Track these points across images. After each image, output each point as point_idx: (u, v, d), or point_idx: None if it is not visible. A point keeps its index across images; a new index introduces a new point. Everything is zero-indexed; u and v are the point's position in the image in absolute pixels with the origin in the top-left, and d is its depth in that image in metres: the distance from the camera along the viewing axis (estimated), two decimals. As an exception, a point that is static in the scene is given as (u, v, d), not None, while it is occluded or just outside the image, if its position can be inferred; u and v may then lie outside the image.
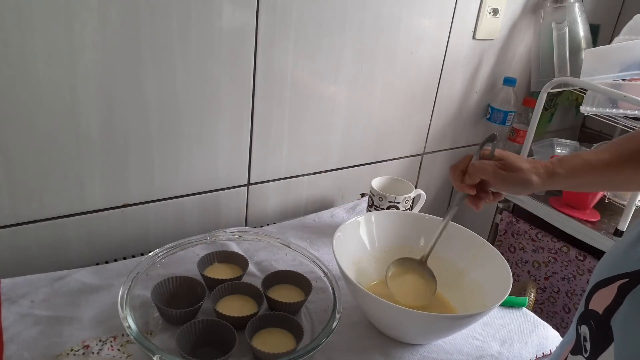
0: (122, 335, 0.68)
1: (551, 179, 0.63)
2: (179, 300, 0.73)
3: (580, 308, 0.50)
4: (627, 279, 0.44)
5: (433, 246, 0.76)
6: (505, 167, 0.64)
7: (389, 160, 1.24)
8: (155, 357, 0.58)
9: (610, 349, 0.43)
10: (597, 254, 1.14)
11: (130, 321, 0.63)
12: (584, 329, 0.48)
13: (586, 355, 0.47)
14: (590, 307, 0.48)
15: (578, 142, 1.38)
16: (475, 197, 0.69)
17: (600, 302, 0.46)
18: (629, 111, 1.15)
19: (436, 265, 0.84)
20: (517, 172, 0.63)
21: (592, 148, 1.30)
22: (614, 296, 0.44)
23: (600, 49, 1.18)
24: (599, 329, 0.46)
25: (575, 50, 1.28)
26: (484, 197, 0.69)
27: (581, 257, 1.16)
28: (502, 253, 0.79)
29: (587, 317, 0.48)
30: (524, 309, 0.86)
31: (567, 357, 0.52)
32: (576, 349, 0.50)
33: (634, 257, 0.45)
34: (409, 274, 0.79)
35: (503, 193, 0.70)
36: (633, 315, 0.42)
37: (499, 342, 0.77)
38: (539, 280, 1.27)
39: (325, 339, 0.64)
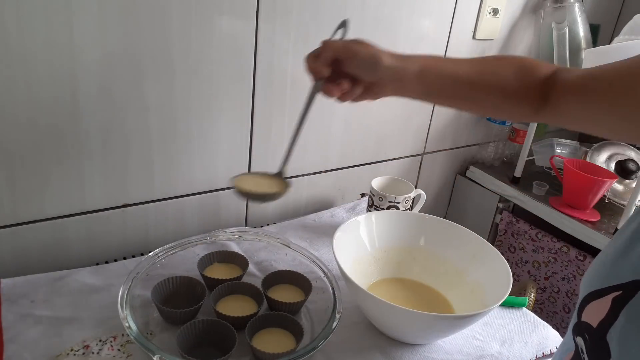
0: (122, 335, 0.68)
1: (402, 64, 0.62)
2: (179, 300, 0.73)
3: (574, 318, 0.49)
4: (620, 291, 0.43)
5: (289, 151, 0.72)
6: (356, 42, 0.63)
7: (389, 160, 1.24)
8: (155, 357, 0.58)
9: None
10: (597, 254, 1.13)
11: (130, 321, 0.63)
12: (580, 341, 0.48)
13: None
14: (583, 319, 0.47)
15: (578, 142, 1.38)
16: (331, 82, 0.64)
17: (593, 314, 0.45)
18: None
19: (436, 265, 0.84)
20: (368, 47, 0.62)
21: (592, 148, 1.30)
22: (608, 310, 0.43)
23: (600, 49, 1.18)
24: (595, 343, 0.45)
25: (575, 50, 1.28)
26: (341, 83, 0.64)
27: (581, 257, 1.16)
28: (502, 253, 0.79)
29: (581, 329, 0.47)
30: (524, 309, 0.86)
31: None
32: (577, 359, 0.49)
33: (624, 267, 0.44)
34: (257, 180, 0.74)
35: (357, 76, 0.64)
36: (631, 330, 0.41)
37: (499, 342, 0.77)
38: (539, 280, 1.27)
39: (325, 339, 0.64)
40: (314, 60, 0.64)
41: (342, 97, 0.66)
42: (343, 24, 0.69)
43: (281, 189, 0.69)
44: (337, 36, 0.68)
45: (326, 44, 0.63)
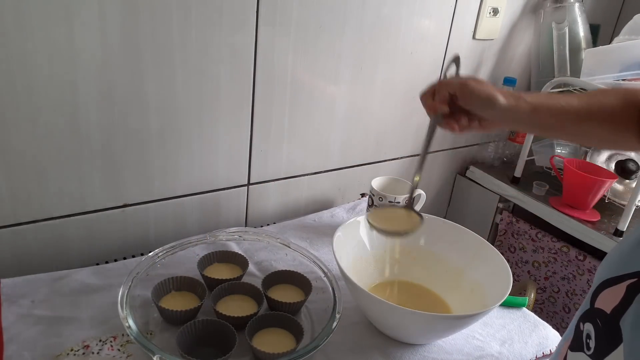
0: (122, 335, 0.68)
1: (516, 103, 0.63)
2: (179, 300, 0.73)
3: (584, 305, 0.50)
4: (636, 279, 0.44)
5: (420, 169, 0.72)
6: (473, 80, 0.65)
7: (388, 160, 1.24)
8: (155, 357, 0.58)
9: (619, 350, 0.43)
10: (597, 254, 1.14)
11: (130, 321, 0.63)
12: (588, 327, 0.48)
13: (589, 352, 0.47)
14: (597, 305, 0.48)
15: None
16: (450, 118, 0.67)
17: (607, 301, 0.46)
18: None
19: (436, 265, 0.84)
20: (483, 85, 0.64)
21: (592, 148, 1.30)
22: (623, 296, 0.44)
23: (600, 49, 1.18)
24: (606, 328, 0.45)
25: (575, 50, 1.28)
26: (459, 119, 0.67)
27: (581, 257, 1.16)
28: (502, 253, 0.79)
29: (593, 315, 0.48)
30: (524, 309, 0.86)
31: (566, 354, 0.51)
32: (576, 346, 0.50)
33: None
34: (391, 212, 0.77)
35: (472, 112, 0.67)
36: None
37: (499, 342, 0.77)
38: (539, 280, 1.27)
39: (325, 339, 0.64)
40: (430, 97, 0.67)
41: (460, 131, 0.69)
42: (456, 61, 0.71)
43: (416, 223, 0.72)
44: (451, 71, 0.71)
45: (442, 82, 0.67)
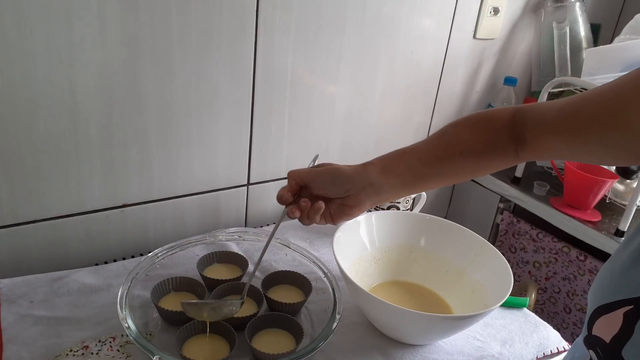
0: (122, 335, 0.68)
1: (363, 168, 0.63)
2: (178, 300, 0.73)
3: (584, 331, 0.49)
4: (632, 306, 0.42)
5: (257, 264, 0.69)
6: (318, 165, 0.66)
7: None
8: (154, 357, 0.58)
9: None
10: (598, 254, 1.13)
11: (130, 322, 0.63)
12: (592, 354, 0.47)
13: None
14: (594, 332, 0.46)
15: (579, 142, 1.37)
16: (297, 205, 0.64)
17: (605, 329, 0.45)
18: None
19: (437, 265, 0.84)
20: (327, 165, 0.64)
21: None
22: (621, 325, 0.43)
23: (601, 48, 1.18)
24: (608, 358, 0.44)
25: (576, 49, 1.28)
26: (299, 203, 0.64)
27: (582, 258, 1.16)
28: (502, 253, 0.79)
29: (593, 343, 0.47)
30: (525, 309, 0.86)
31: None
32: None
33: (634, 280, 0.44)
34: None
35: (327, 195, 0.65)
36: None
37: (500, 342, 0.77)
38: (540, 280, 1.27)
39: (325, 340, 0.64)
40: (282, 189, 0.65)
41: (309, 215, 0.65)
42: (314, 159, 0.72)
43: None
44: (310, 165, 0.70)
45: (290, 173, 0.66)
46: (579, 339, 0.52)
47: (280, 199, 0.64)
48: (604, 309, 0.45)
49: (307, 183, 0.64)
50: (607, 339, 0.44)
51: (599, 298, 0.46)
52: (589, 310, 0.48)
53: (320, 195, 0.64)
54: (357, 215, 0.66)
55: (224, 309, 0.66)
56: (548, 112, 0.57)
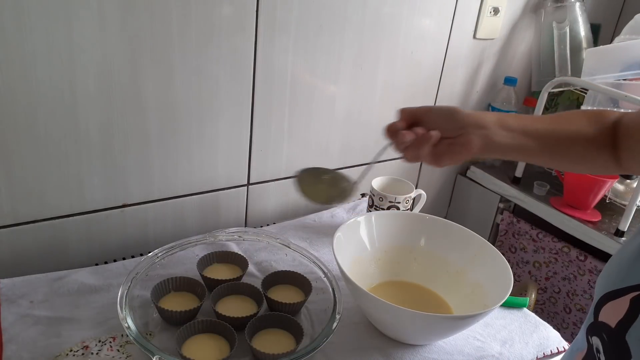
0: (122, 335, 0.68)
1: (482, 114, 0.61)
2: (178, 300, 0.73)
3: (589, 318, 0.49)
4: (639, 292, 0.43)
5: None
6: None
7: (389, 160, 1.24)
8: (154, 357, 0.58)
9: None
10: (598, 254, 1.13)
11: (130, 322, 0.63)
12: (596, 341, 0.48)
13: None
14: (600, 319, 0.47)
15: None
16: (410, 131, 0.62)
17: (611, 314, 0.45)
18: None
19: (437, 265, 0.84)
20: (442, 105, 0.64)
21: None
22: (627, 310, 0.43)
23: (601, 48, 1.18)
24: (613, 343, 0.45)
25: (576, 49, 1.27)
26: (423, 133, 0.62)
27: (582, 258, 1.16)
28: (502, 253, 0.79)
29: (598, 329, 0.47)
30: (525, 309, 0.86)
31: None
32: (589, 359, 0.49)
33: None
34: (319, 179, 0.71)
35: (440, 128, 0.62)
36: None
37: (500, 342, 0.77)
38: (540, 280, 1.27)
39: (325, 340, 0.64)
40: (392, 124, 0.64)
41: (419, 144, 0.62)
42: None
43: (345, 190, 0.67)
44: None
45: (401, 109, 0.65)
46: (579, 334, 0.53)
47: (389, 128, 0.62)
48: (611, 295, 0.46)
49: (419, 117, 0.62)
50: (613, 324, 0.45)
51: (607, 285, 0.47)
52: (596, 297, 0.48)
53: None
54: (464, 158, 0.62)
55: (341, 183, 0.64)
56: (635, 115, 0.59)
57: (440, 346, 0.75)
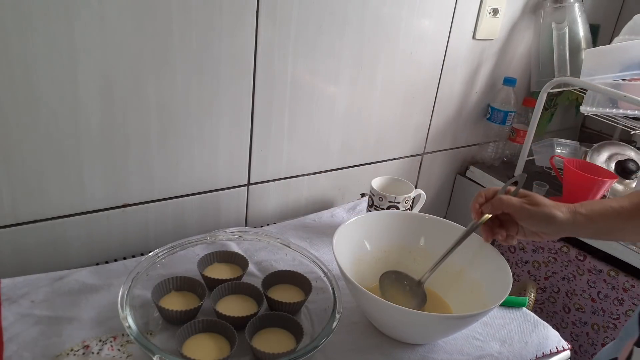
0: (122, 335, 0.68)
1: (573, 217, 0.66)
2: (179, 299, 0.73)
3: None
4: None
5: (434, 268, 0.77)
6: (531, 202, 0.68)
7: (389, 160, 1.24)
8: (155, 357, 0.58)
9: None
10: (597, 254, 1.14)
11: (130, 321, 0.63)
12: None
13: None
14: None
15: (578, 142, 1.37)
16: (489, 228, 0.72)
17: None
18: (629, 111, 1.15)
19: (436, 265, 0.84)
20: (542, 207, 0.67)
21: (592, 148, 1.30)
22: None
23: (600, 49, 1.18)
24: None
25: (575, 50, 1.28)
26: (498, 232, 0.72)
27: (581, 257, 1.16)
28: (502, 253, 0.79)
29: None
30: (524, 308, 0.86)
31: (632, 349, 0.53)
32: None
33: None
34: (401, 287, 0.80)
35: (526, 229, 0.71)
36: None
37: (499, 342, 0.77)
38: (539, 280, 1.27)
39: (325, 339, 0.64)
40: (482, 202, 0.72)
41: (504, 241, 0.73)
42: (520, 179, 0.75)
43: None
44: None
45: (502, 200, 0.69)
46: (628, 323, 0.55)
47: (477, 213, 0.73)
48: None
49: (515, 217, 0.69)
50: None
51: None
52: None
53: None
54: (537, 239, 0.72)
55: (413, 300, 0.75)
56: None
57: (440, 346, 0.75)
